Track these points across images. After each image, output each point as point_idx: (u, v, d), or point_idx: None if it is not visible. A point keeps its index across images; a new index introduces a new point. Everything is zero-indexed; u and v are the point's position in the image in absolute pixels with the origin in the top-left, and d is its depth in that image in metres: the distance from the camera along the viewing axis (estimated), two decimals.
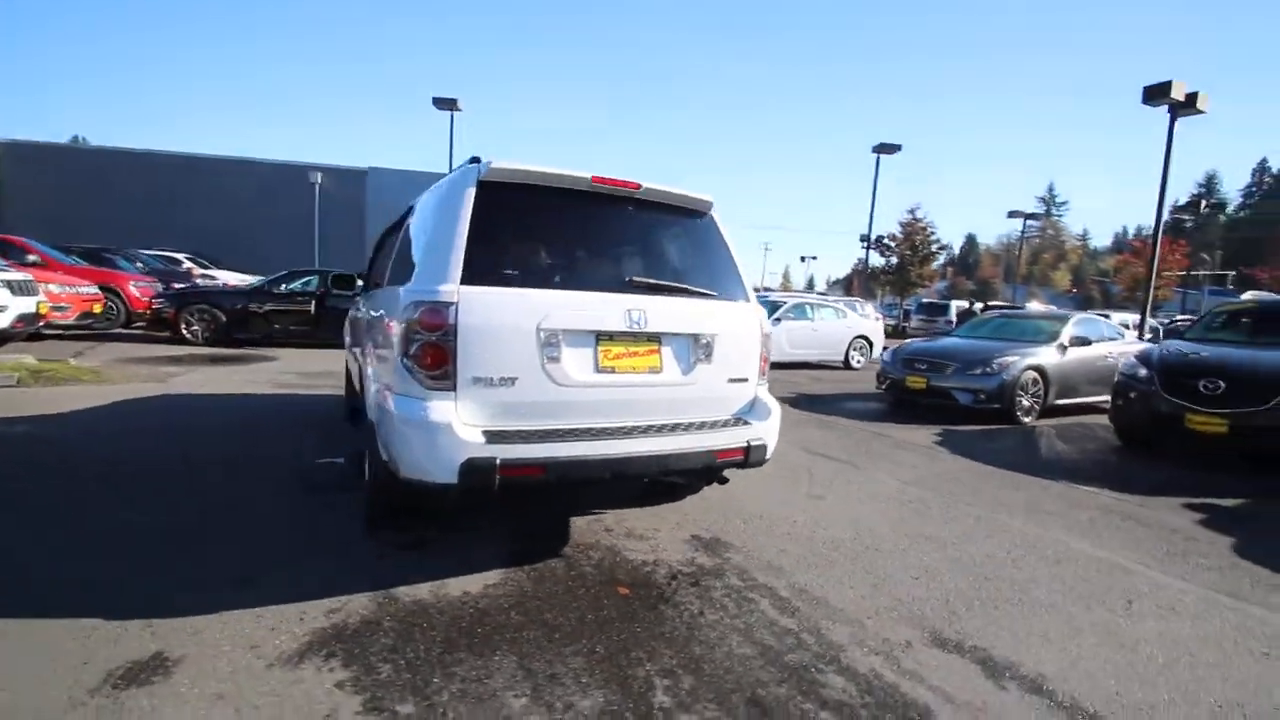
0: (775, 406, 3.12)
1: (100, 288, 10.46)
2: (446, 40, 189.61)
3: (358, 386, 4.90)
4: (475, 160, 2.81)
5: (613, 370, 2.67)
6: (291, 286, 11.32)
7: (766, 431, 3.01)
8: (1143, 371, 6.15)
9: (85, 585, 2.50)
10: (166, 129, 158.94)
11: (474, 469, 2.34)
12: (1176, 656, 2.46)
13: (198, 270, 17.23)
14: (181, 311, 10.24)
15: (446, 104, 21.33)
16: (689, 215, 3.11)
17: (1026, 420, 7.52)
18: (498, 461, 2.37)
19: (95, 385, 6.59)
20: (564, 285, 2.69)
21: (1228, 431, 5.39)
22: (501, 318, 2.49)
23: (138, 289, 11.58)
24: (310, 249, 24.46)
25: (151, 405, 5.89)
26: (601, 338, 2.66)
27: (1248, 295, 7.80)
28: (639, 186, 2.89)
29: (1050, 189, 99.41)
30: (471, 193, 2.59)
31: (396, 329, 2.52)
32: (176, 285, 12.74)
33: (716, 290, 3.03)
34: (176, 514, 3.27)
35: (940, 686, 2.17)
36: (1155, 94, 13.87)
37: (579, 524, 3.43)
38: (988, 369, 7.41)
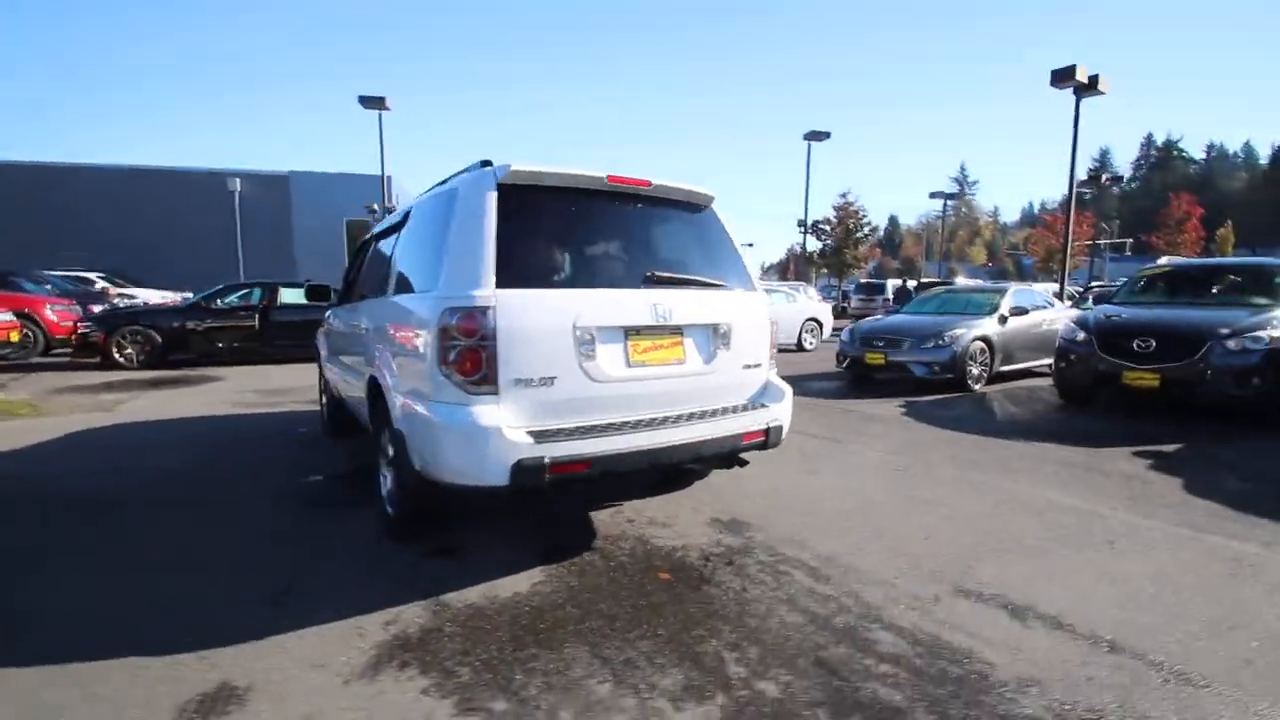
0: (787, 389, 3.27)
1: (15, 314, 9.63)
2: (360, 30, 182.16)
3: (338, 398, 4.79)
4: (487, 163, 2.82)
5: (643, 364, 2.75)
6: (229, 301, 10.76)
7: (782, 413, 3.16)
8: (1081, 335, 6.69)
9: (116, 623, 2.40)
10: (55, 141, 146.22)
11: (524, 469, 2.37)
12: (1162, 585, 2.76)
13: (114, 290, 16.05)
14: (113, 335, 9.55)
15: (374, 103, 20.57)
16: (692, 209, 3.21)
17: (977, 388, 8.04)
18: (546, 460, 2.41)
19: (35, 419, 6.12)
20: (588, 284, 2.74)
21: (1159, 385, 5.96)
22: (538, 319, 2.52)
23: (55, 313, 10.74)
24: (233, 260, 23.18)
25: (109, 435, 5.53)
26: (630, 333, 2.73)
27: (1163, 260, 8.53)
28: (649, 184, 2.97)
29: (962, 169, 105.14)
30: (493, 196, 2.60)
31: (428, 337, 2.51)
32: (95, 307, 11.86)
33: (726, 280, 3.14)
34: (186, 540, 3.14)
35: (976, 632, 2.37)
36: (1061, 77, 14.91)
37: (600, 517, 3.49)
38: (940, 342, 7.87)
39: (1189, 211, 36.16)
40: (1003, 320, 8.52)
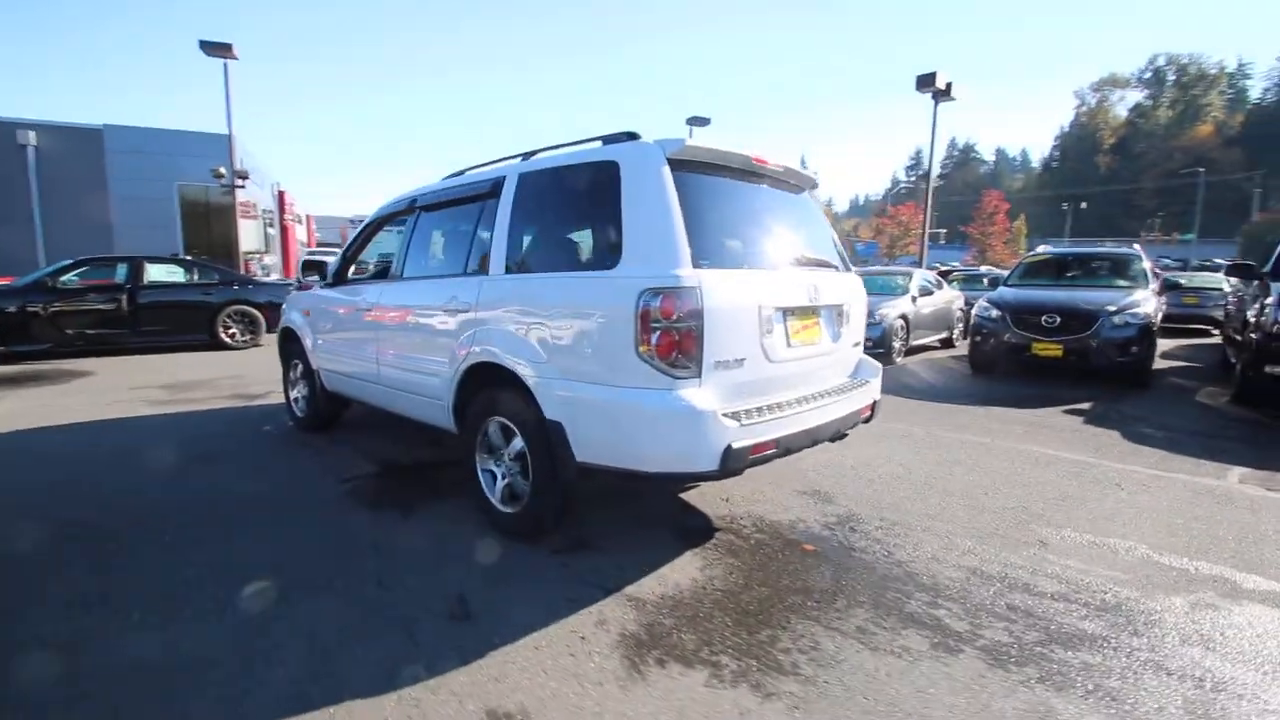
0: (879, 365, 3.48)
1: None
2: None
3: (327, 390, 4.29)
4: (632, 135, 2.68)
5: (799, 344, 2.79)
6: (69, 279, 8.86)
7: (879, 389, 3.37)
8: (996, 313, 7.70)
9: (305, 669, 2.02)
10: None
11: (734, 454, 2.34)
12: (1180, 513, 3.37)
13: None
14: None
15: (219, 50, 17.84)
16: (797, 191, 3.28)
17: (898, 360, 8.95)
18: (750, 443, 2.39)
19: None
20: (750, 264, 2.72)
21: (1062, 354, 7.07)
22: (733, 299, 2.47)
23: None
24: (28, 232, 19.13)
25: (23, 448, 4.44)
26: (789, 313, 2.76)
27: (1041, 248, 9.98)
28: (783, 167, 3.00)
29: (802, 161, 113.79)
30: (668, 171, 2.48)
31: (620, 319, 2.36)
32: None
33: (834, 262, 3.27)
34: (288, 564, 2.68)
35: (1096, 570, 2.76)
36: (924, 83, 16.77)
37: (690, 499, 3.49)
38: (872, 319, 8.63)
39: (997, 207, 42.82)
40: (914, 300, 9.55)
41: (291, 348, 4.91)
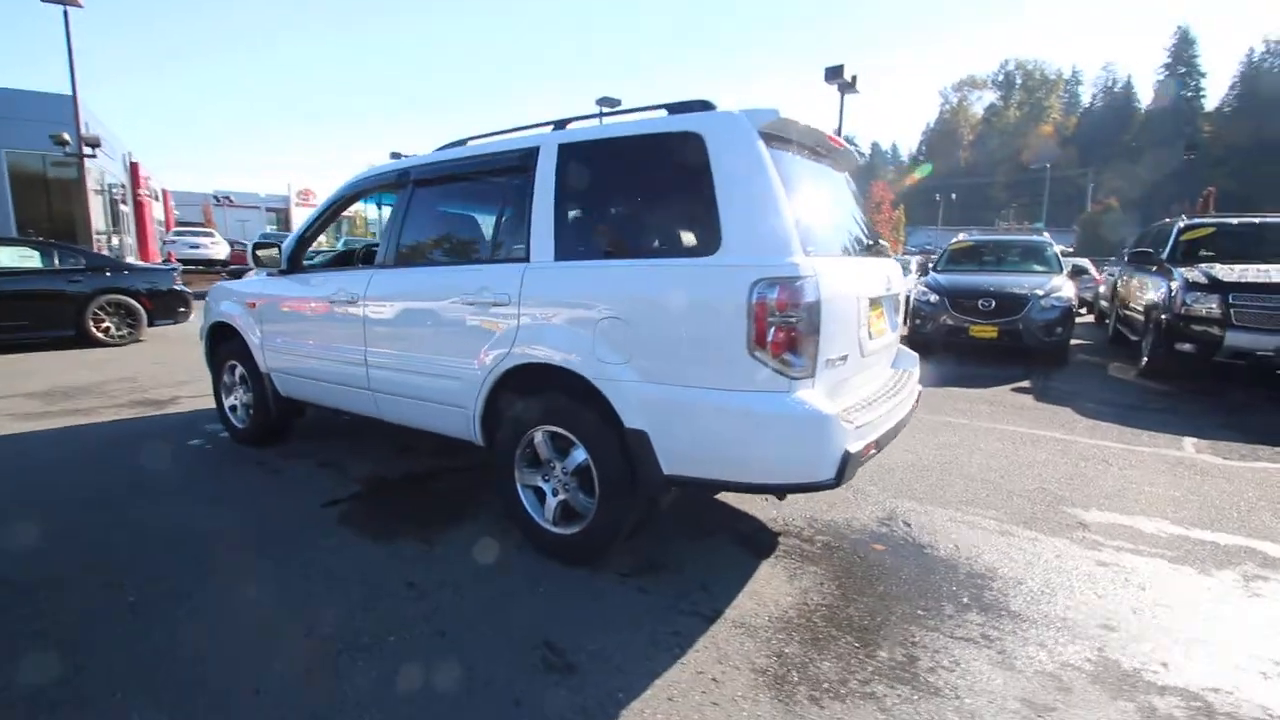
0: (915, 354, 3.41)
1: None
2: None
3: (283, 395, 3.70)
4: (707, 104, 2.38)
5: (873, 335, 2.63)
6: None
7: (918, 377, 3.31)
8: (934, 298, 8.06)
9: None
10: None
11: (850, 460, 2.13)
12: (1173, 486, 3.61)
13: None
14: None
15: None
16: (842, 172, 3.11)
17: None
18: (861, 447, 2.20)
19: None
20: (835, 250, 2.51)
21: (997, 335, 7.54)
22: (842, 289, 2.25)
23: None
24: None
25: None
26: (872, 304, 2.59)
27: (960, 236, 10.58)
28: (843, 145, 2.81)
29: None
30: (764, 146, 2.21)
31: (729, 314, 2.07)
32: None
33: (883, 247, 3.14)
34: (303, 619, 2.16)
35: (1140, 548, 2.85)
36: (832, 75, 17.37)
37: (730, 501, 3.28)
38: None
39: (883, 197, 45.78)
40: None
41: (228, 347, 4.14)
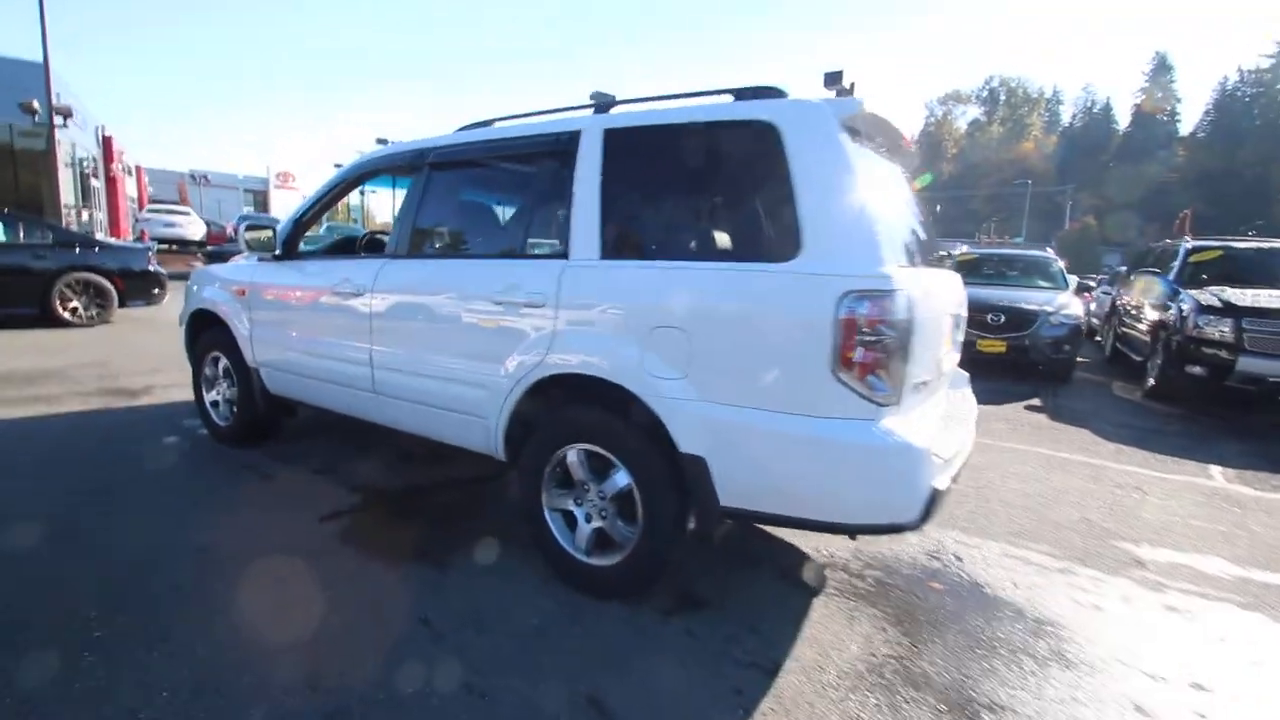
0: (965, 373, 3.19)
1: None
2: None
3: (269, 393, 3.38)
4: (776, 91, 2.12)
5: (948, 356, 2.40)
6: None
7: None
8: None
9: None
10: None
11: (936, 498, 1.89)
12: (1215, 520, 3.45)
13: None
14: None
15: None
16: (905, 173, 2.86)
17: None
18: (945, 483, 1.96)
19: None
20: (916, 260, 2.26)
21: (1004, 350, 7.41)
22: (931, 305, 2.01)
23: None
24: None
25: None
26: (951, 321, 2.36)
27: (964, 248, 10.48)
28: (913, 145, 2.58)
29: None
30: (848, 140, 1.96)
31: (811, 328, 1.82)
32: None
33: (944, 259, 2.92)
34: (307, 665, 1.85)
35: (1208, 592, 2.66)
36: (831, 81, 17.26)
37: (772, 534, 3.03)
38: None
39: None
40: None
41: (211, 337, 3.78)
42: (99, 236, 9.93)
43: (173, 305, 8.61)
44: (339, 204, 3.47)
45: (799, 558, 2.75)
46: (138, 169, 30.20)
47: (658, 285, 2.08)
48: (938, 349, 2.17)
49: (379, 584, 2.36)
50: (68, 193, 18.06)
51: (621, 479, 2.18)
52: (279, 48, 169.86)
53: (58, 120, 15.40)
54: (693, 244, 2.19)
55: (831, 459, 1.85)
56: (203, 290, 3.82)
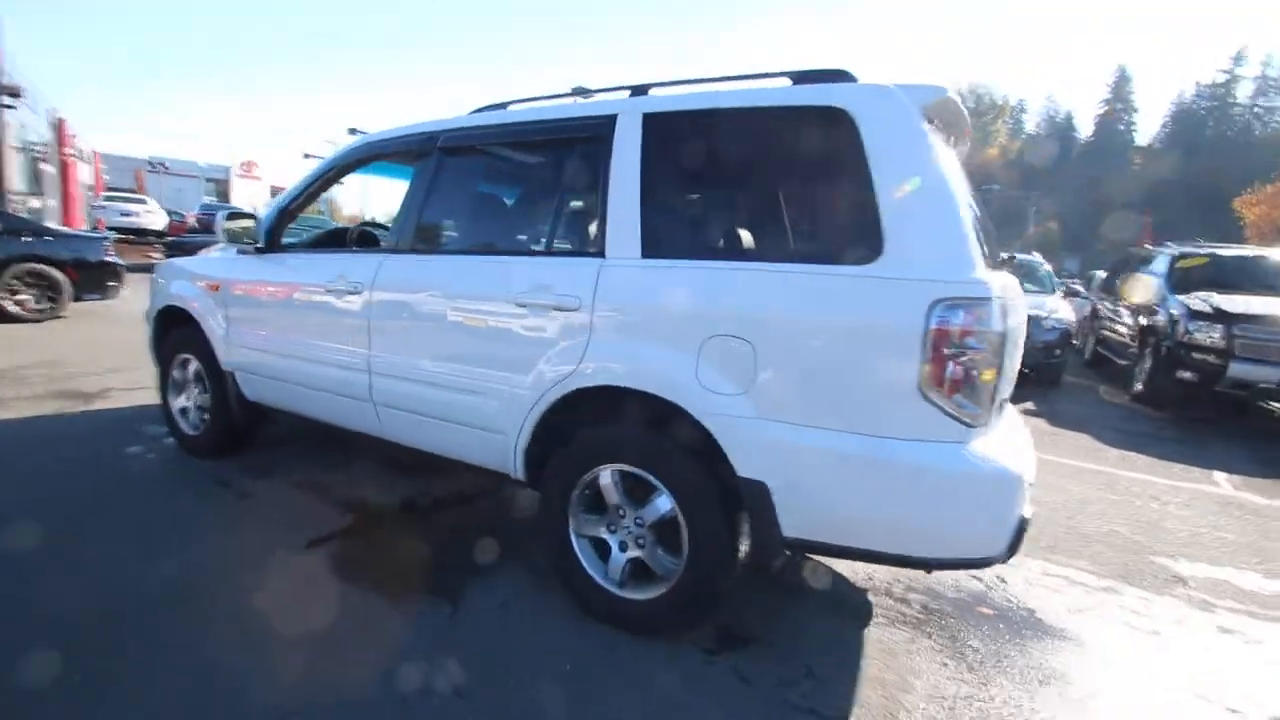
0: None
1: None
2: None
3: (246, 399, 3.08)
4: (843, 74, 1.91)
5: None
6: None
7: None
8: None
9: None
10: None
11: (1024, 527, 1.72)
12: (1237, 530, 3.39)
13: None
14: None
15: None
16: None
17: None
18: (1031, 509, 1.78)
19: None
20: (992, 263, 2.07)
21: None
22: (1020, 312, 1.83)
23: None
24: None
25: None
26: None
27: None
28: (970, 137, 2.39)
29: None
30: (929, 130, 1.77)
31: (896, 338, 1.62)
32: None
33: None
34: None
35: (1258, 611, 2.56)
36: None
37: (805, 565, 2.84)
38: None
39: None
40: None
41: (180, 337, 3.43)
42: (51, 225, 9.26)
43: (132, 299, 8.08)
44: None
45: (838, 582, 2.56)
46: (95, 154, 28.80)
47: (714, 289, 1.85)
48: (1016, 360, 1.99)
49: (381, 624, 2.09)
50: (16, 179, 17.04)
51: (664, 504, 1.95)
52: (245, 33, 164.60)
53: (6, 100, 14.47)
54: (753, 243, 1.97)
55: (915, 486, 1.65)
56: (171, 284, 3.47)
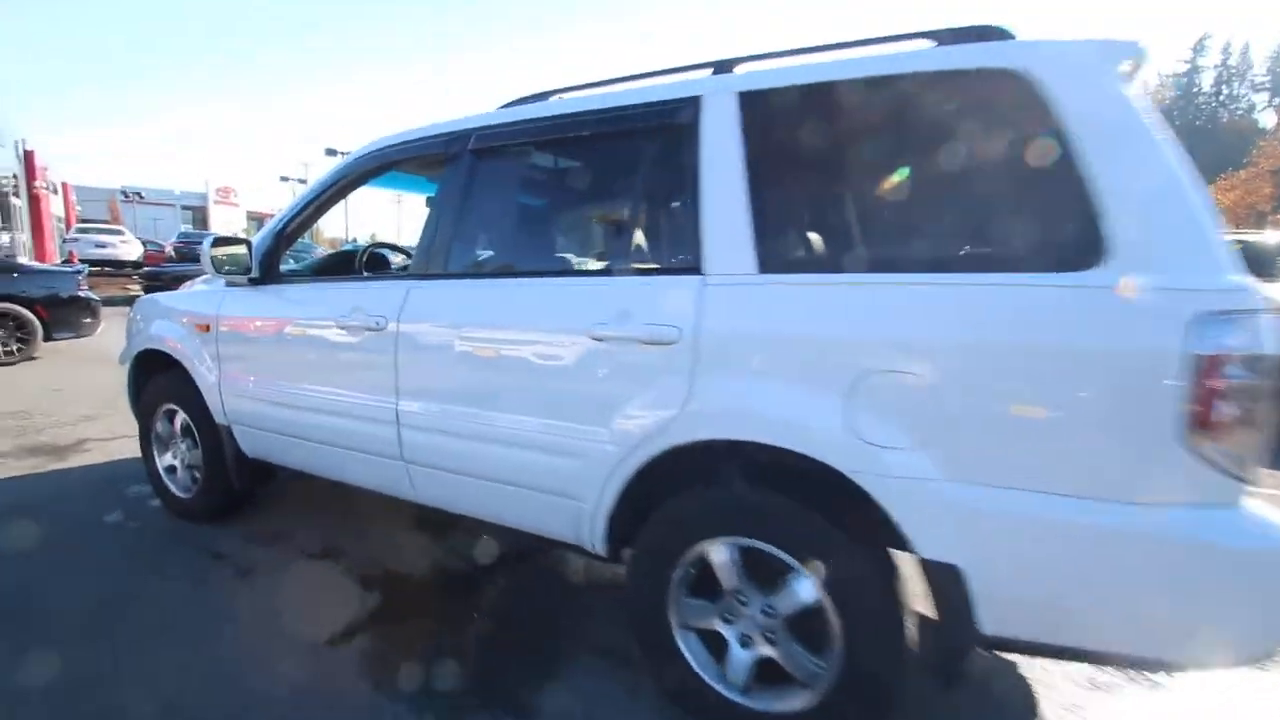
0: None
1: None
2: None
3: (243, 454, 2.63)
4: (1000, 33, 1.50)
5: None
6: None
7: None
8: None
9: None
10: None
11: None
12: None
13: None
14: None
15: None
16: None
17: None
18: None
19: None
20: None
21: None
22: None
23: None
24: None
25: None
26: None
27: None
28: None
29: None
30: (1131, 94, 1.35)
31: (1142, 370, 1.19)
32: None
33: None
34: None
35: None
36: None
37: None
38: None
39: None
40: None
41: (163, 385, 2.95)
42: (21, 260, 8.69)
43: (108, 335, 7.52)
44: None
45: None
46: (64, 186, 28.04)
47: (870, 309, 1.42)
48: None
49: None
50: None
51: (805, 590, 1.50)
52: (218, 54, 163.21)
53: None
54: (912, 248, 1.54)
55: (1177, 566, 1.22)
56: (151, 325, 2.98)
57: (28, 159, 20.91)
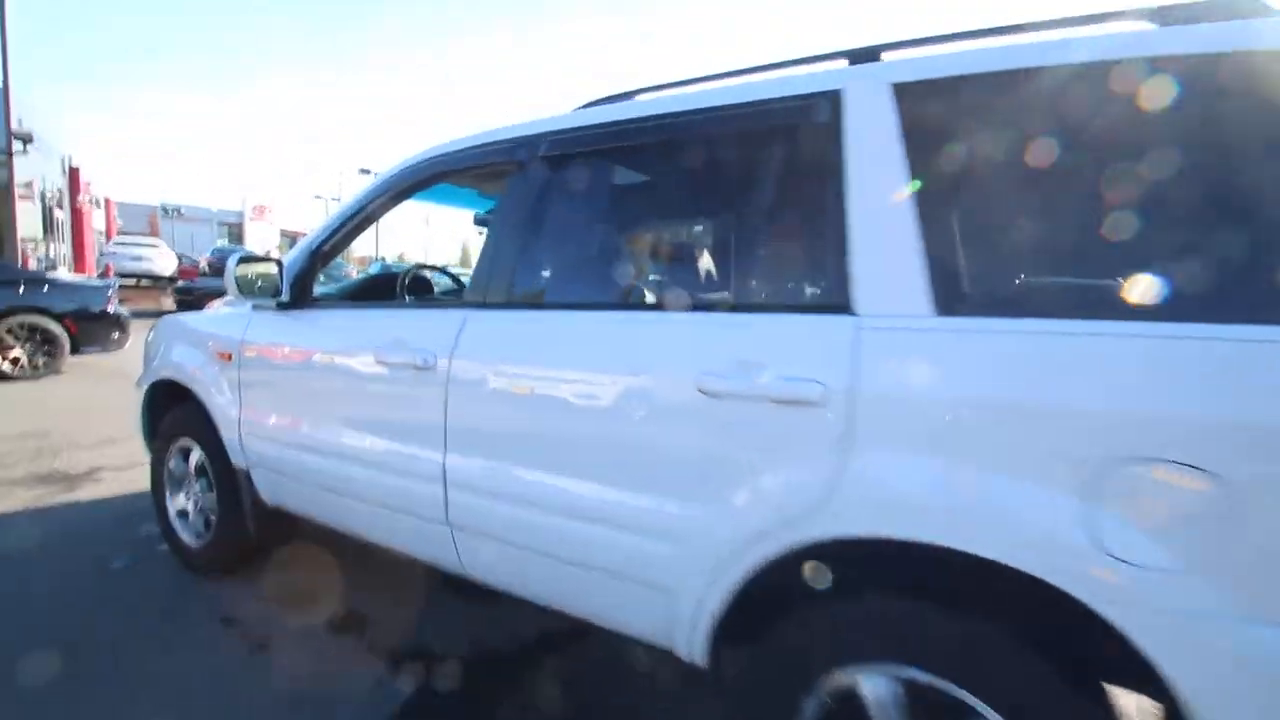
0: None
1: None
2: None
3: (267, 506, 2.29)
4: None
5: None
6: None
7: None
8: None
9: None
10: None
11: None
12: None
13: None
14: None
15: None
16: None
17: None
18: None
19: None
20: None
21: None
22: None
23: None
24: None
25: None
26: None
27: None
28: None
29: None
30: None
31: None
32: None
33: None
34: None
35: None
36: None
37: None
38: None
39: None
40: None
41: (180, 419, 2.65)
42: (55, 273, 8.63)
43: (135, 350, 7.38)
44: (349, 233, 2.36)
45: None
46: (106, 201, 28.80)
47: (1131, 373, 1.02)
48: None
49: None
50: (30, 225, 16.70)
51: None
52: (259, 82, 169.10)
53: (17, 147, 14.15)
54: (1175, 288, 1.13)
55: None
56: (171, 350, 2.69)
57: (73, 175, 21.47)
